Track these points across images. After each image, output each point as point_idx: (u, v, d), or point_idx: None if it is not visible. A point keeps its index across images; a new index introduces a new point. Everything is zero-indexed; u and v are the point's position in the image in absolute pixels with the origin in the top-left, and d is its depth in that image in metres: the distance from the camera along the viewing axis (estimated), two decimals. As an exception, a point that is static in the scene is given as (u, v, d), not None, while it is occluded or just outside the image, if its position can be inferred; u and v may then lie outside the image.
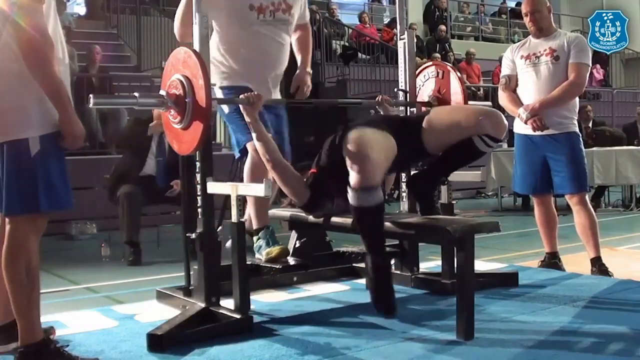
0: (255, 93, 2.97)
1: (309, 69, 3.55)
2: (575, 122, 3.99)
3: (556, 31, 4.02)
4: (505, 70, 4.13)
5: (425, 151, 2.90)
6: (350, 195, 2.63)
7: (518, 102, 3.99)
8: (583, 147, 3.99)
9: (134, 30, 9.75)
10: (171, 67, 2.88)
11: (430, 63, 3.80)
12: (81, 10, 11.63)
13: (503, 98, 4.09)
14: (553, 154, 3.90)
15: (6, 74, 2.24)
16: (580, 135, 4.03)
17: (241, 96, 2.92)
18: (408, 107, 3.66)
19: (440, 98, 3.59)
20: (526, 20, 4.03)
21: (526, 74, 4.00)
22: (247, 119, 2.91)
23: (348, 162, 2.65)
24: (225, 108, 3.19)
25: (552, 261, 4.08)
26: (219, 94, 3.20)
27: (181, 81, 2.76)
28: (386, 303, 2.66)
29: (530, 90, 3.96)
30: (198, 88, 2.71)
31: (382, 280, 2.68)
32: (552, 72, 3.90)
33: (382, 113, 3.39)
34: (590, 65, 4.04)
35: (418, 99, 3.67)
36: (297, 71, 3.52)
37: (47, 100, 2.26)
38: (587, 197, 3.98)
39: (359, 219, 2.70)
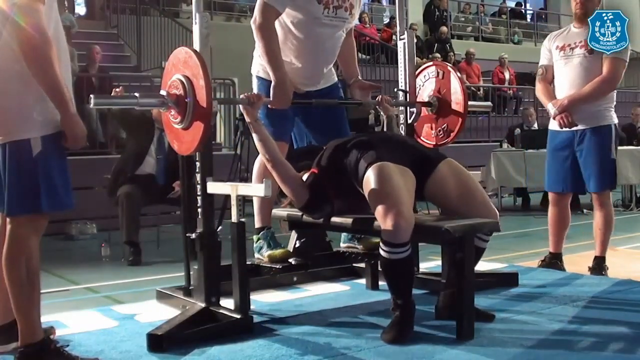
0: (256, 93, 2.96)
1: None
2: (611, 114, 3.86)
3: None
4: (542, 60, 4.04)
5: (420, 193, 2.84)
6: (381, 247, 2.62)
7: (551, 95, 3.91)
8: (613, 142, 3.85)
9: (134, 30, 9.75)
10: (172, 67, 2.87)
11: (431, 63, 3.78)
12: (81, 10, 11.64)
13: (538, 90, 4.03)
14: (580, 149, 3.83)
15: (7, 75, 2.25)
16: (616, 127, 3.89)
17: (241, 96, 2.92)
18: (408, 107, 3.66)
19: (441, 98, 3.59)
20: (573, 3, 3.91)
21: (560, 65, 3.90)
22: (246, 118, 2.90)
23: (376, 211, 2.61)
24: None
25: (552, 261, 4.05)
26: (253, 80, 3.22)
27: (182, 81, 2.75)
28: (406, 335, 2.64)
29: (563, 84, 3.88)
30: (199, 88, 2.71)
31: (408, 318, 2.67)
32: (585, 66, 3.79)
33: (382, 114, 3.38)
34: (627, 60, 3.87)
35: (418, 99, 3.67)
36: (353, 81, 3.48)
37: (49, 100, 2.26)
38: (608, 196, 3.91)
39: (388, 270, 2.68)
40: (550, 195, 4.08)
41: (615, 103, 3.91)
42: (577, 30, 3.90)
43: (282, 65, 3.04)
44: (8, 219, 2.29)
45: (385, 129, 3.37)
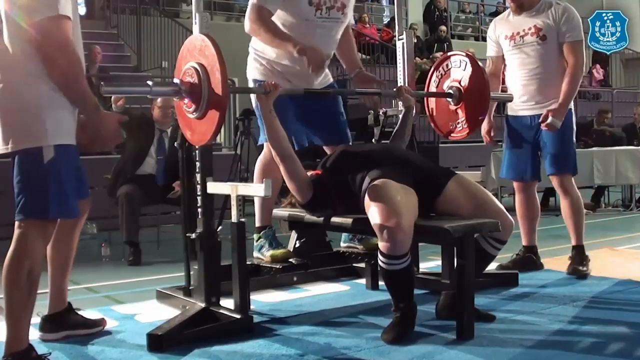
0: (273, 82, 2.92)
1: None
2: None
3: (539, 2, 3.71)
4: (489, 50, 3.94)
5: (430, 211, 2.83)
6: (379, 258, 2.62)
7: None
8: (573, 127, 3.76)
9: (134, 30, 9.75)
10: (187, 53, 2.78)
11: (452, 53, 3.70)
12: (81, 10, 11.65)
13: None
14: (543, 133, 3.71)
15: (23, 84, 2.25)
16: (573, 111, 3.77)
17: (257, 85, 2.87)
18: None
19: (461, 89, 3.51)
20: None
21: (512, 57, 3.79)
22: (261, 108, 2.87)
23: (374, 223, 2.61)
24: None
25: (526, 255, 3.92)
26: (250, 85, 3.21)
27: (196, 69, 2.65)
28: (406, 336, 2.65)
29: (518, 76, 3.78)
30: (214, 75, 2.61)
31: (409, 319, 2.69)
32: (539, 54, 3.68)
33: (400, 104, 3.37)
34: (583, 39, 3.72)
35: (438, 89, 3.62)
36: (358, 72, 3.46)
37: (64, 110, 2.28)
38: (569, 181, 3.75)
39: (388, 280, 2.68)
40: (515, 184, 3.95)
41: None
42: (520, 17, 3.74)
43: (293, 38, 3.01)
44: (17, 223, 2.30)
45: (400, 120, 3.36)
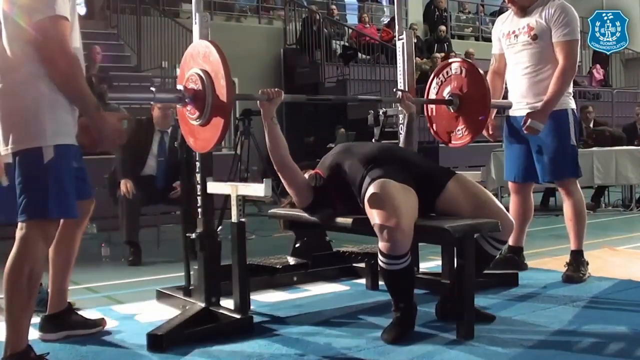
0: (276, 89, 2.90)
1: None
2: (567, 100, 3.65)
3: (537, 1, 3.63)
4: (493, 48, 3.91)
5: (430, 210, 2.83)
6: (379, 258, 2.62)
7: (494, 93, 3.73)
8: (571, 127, 3.65)
9: (134, 30, 9.75)
10: (190, 59, 2.77)
11: (452, 60, 3.67)
12: (81, 10, 11.64)
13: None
14: (539, 136, 3.59)
15: (23, 85, 2.25)
16: (574, 111, 3.69)
17: (260, 91, 2.87)
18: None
19: (462, 96, 3.50)
20: None
21: (508, 55, 3.76)
22: (263, 115, 2.86)
23: (374, 223, 2.61)
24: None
25: (508, 255, 3.88)
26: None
27: (200, 76, 2.64)
28: (406, 336, 2.65)
29: (513, 75, 3.75)
30: (218, 81, 2.60)
31: (409, 319, 2.70)
32: (530, 54, 3.62)
33: (401, 108, 3.36)
34: (579, 38, 3.63)
35: (438, 96, 3.61)
36: None
37: (64, 110, 2.28)
38: (572, 183, 3.67)
39: (388, 280, 2.69)
40: (510, 184, 3.90)
41: (572, 87, 3.70)
42: (520, 17, 3.69)
43: None
44: (19, 225, 2.30)
45: (404, 127, 3.35)
